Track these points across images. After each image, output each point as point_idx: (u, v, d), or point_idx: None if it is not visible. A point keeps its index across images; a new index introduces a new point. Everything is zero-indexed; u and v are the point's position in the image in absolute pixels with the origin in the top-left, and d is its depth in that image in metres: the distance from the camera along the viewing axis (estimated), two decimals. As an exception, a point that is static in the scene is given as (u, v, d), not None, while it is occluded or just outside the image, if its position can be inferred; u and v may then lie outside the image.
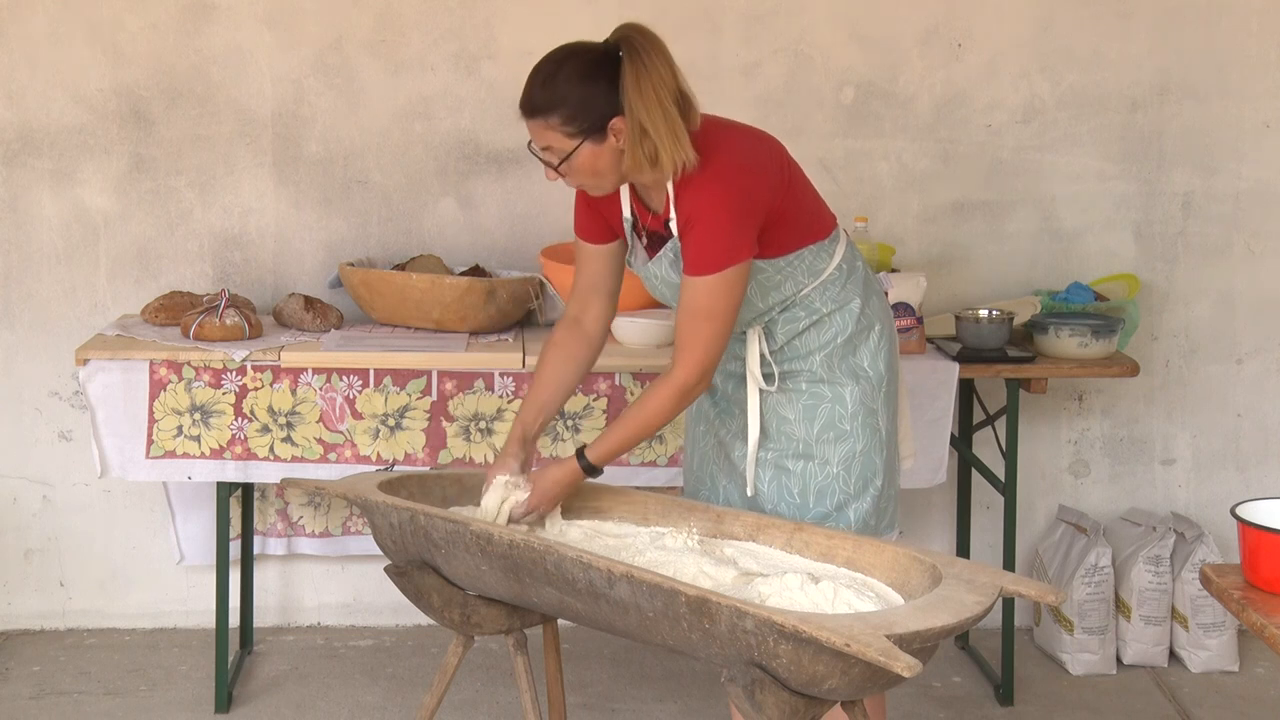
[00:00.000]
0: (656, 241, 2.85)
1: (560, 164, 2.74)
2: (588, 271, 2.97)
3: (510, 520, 2.88)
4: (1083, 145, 4.29)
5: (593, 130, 2.70)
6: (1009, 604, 3.94)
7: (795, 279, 2.84)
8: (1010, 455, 3.91)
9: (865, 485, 2.90)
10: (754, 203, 2.72)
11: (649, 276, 2.89)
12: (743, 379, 2.92)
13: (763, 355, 2.89)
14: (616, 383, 3.70)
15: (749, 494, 2.94)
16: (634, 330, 3.75)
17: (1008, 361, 3.80)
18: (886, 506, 2.94)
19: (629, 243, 2.91)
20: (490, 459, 3.68)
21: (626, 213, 2.87)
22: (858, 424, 2.89)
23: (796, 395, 2.90)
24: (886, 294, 3.18)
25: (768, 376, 2.90)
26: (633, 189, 2.85)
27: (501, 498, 2.90)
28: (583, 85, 2.68)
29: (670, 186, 2.75)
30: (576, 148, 2.71)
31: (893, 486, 2.96)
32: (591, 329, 2.99)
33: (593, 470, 2.87)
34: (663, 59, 2.69)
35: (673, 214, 2.76)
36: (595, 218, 2.93)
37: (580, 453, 2.86)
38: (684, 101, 2.71)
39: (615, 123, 2.69)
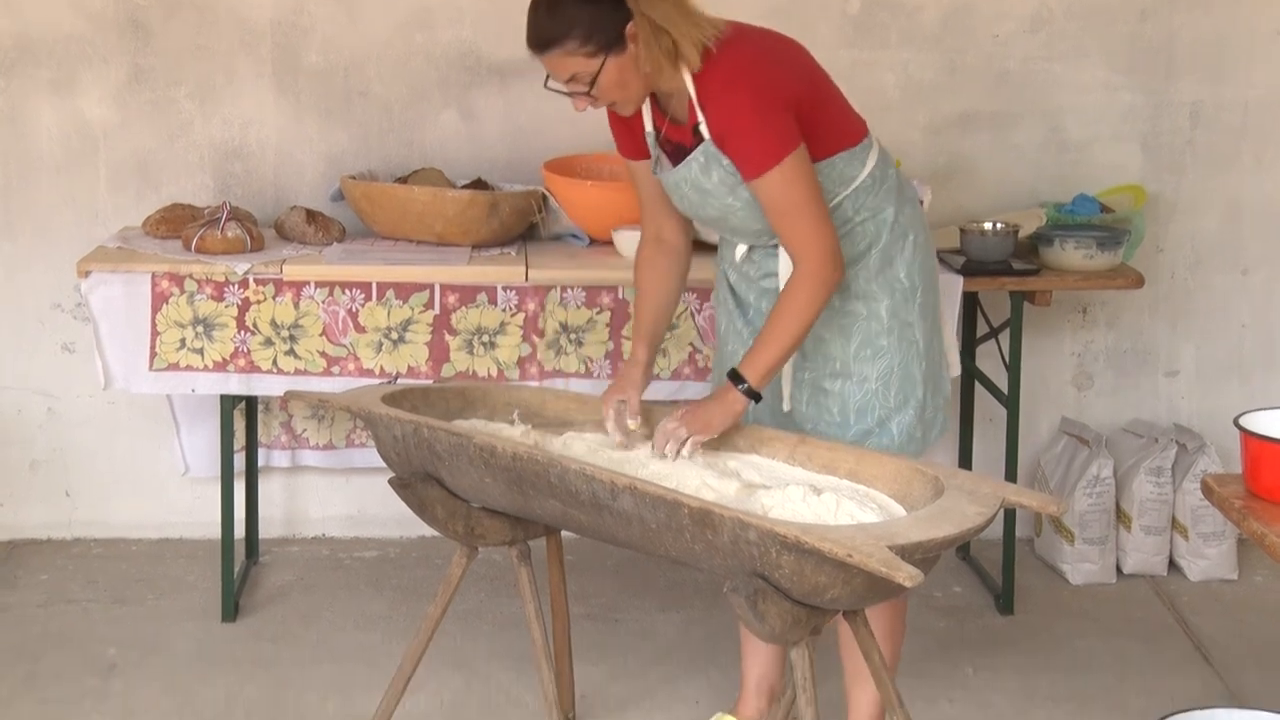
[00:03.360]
0: (682, 152, 2.83)
1: (591, 88, 2.71)
2: (647, 188, 2.97)
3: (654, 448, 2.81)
4: (1090, 56, 4.24)
5: (612, 44, 2.67)
6: (1010, 515, 3.95)
7: (828, 188, 2.79)
8: (1013, 368, 3.91)
9: (906, 399, 2.89)
10: (780, 92, 2.69)
11: (678, 182, 2.85)
12: (776, 295, 2.89)
13: None
14: (620, 296, 3.69)
15: (785, 409, 2.93)
16: (636, 242, 3.72)
17: (1012, 274, 3.78)
18: (934, 417, 2.93)
19: (653, 154, 2.89)
20: (493, 372, 3.68)
21: (648, 126, 2.86)
22: (894, 338, 2.87)
23: (831, 313, 2.86)
24: (922, 203, 3.13)
25: None
26: (654, 102, 2.83)
27: (625, 425, 2.90)
28: (588, 3, 2.66)
29: (691, 90, 2.72)
30: (601, 66, 2.68)
31: (939, 396, 2.95)
32: (674, 241, 3.01)
33: (754, 395, 2.77)
34: None
35: (700, 118, 2.74)
36: (628, 135, 2.92)
37: (736, 376, 2.77)
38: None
39: (630, 29, 2.67)
